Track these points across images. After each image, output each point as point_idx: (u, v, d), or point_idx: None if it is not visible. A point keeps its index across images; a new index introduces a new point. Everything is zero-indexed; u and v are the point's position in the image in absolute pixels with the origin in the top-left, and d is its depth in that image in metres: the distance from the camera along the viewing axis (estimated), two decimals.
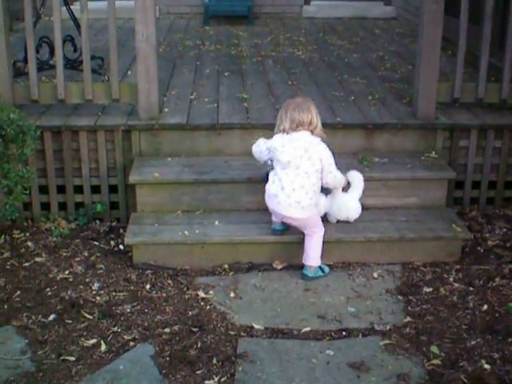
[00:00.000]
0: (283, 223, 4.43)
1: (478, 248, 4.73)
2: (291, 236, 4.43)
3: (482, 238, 4.86)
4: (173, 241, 4.40)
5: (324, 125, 4.72)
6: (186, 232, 4.43)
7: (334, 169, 4.29)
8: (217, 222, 4.55)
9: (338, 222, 4.58)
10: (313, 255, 4.31)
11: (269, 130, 4.82)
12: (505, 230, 4.96)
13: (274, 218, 4.46)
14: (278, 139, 4.25)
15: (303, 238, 4.34)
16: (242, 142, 4.95)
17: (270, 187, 4.28)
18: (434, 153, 5.02)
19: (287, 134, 4.23)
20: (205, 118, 5.02)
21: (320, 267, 4.36)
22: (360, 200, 4.59)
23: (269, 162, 4.38)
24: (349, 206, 4.55)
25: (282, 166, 4.22)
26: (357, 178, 4.53)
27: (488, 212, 5.20)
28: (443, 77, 5.26)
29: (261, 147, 4.39)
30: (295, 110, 4.21)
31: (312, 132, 4.25)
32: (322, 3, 9.97)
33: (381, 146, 5.05)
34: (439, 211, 4.76)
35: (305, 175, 4.19)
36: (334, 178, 4.32)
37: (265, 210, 4.57)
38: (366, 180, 4.69)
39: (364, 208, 4.69)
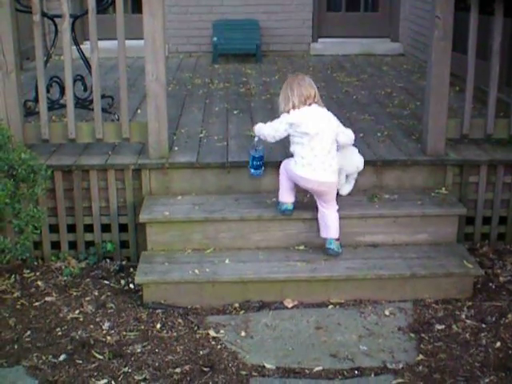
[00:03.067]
0: (293, 203, 4.63)
1: (490, 284, 4.70)
2: (302, 274, 4.42)
3: (494, 273, 4.83)
4: (183, 280, 4.39)
5: None
6: (196, 271, 4.42)
7: (343, 127, 4.68)
8: (227, 261, 4.54)
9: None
10: (336, 226, 4.55)
11: (278, 168, 4.86)
12: None
13: (284, 198, 4.64)
14: (298, 114, 4.51)
15: (313, 274, 4.38)
16: (251, 180, 4.96)
17: (301, 159, 4.49)
18: (444, 189, 5.02)
19: (298, 109, 4.52)
20: (214, 156, 5.04)
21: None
22: (370, 235, 4.71)
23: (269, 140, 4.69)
24: (354, 158, 4.80)
25: (309, 138, 4.45)
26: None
27: (499, 248, 5.18)
28: (452, 112, 5.28)
29: (276, 126, 4.62)
30: (300, 85, 4.56)
31: (317, 103, 4.60)
32: (330, 40, 10.05)
33: (390, 183, 5.05)
34: (450, 247, 4.74)
35: (329, 142, 4.51)
36: (347, 135, 4.68)
37: (274, 249, 4.60)
38: (376, 217, 4.72)
39: (375, 245, 4.72)
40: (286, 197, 4.68)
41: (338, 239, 4.60)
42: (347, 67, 8.90)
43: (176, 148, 5.21)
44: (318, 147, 4.46)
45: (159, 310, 4.38)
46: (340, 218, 4.64)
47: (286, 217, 4.68)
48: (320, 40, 10.09)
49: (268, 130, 4.68)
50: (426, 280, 4.48)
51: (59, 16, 4.89)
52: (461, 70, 5.37)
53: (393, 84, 7.72)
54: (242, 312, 4.37)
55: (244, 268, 4.47)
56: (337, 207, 4.61)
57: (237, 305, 4.43)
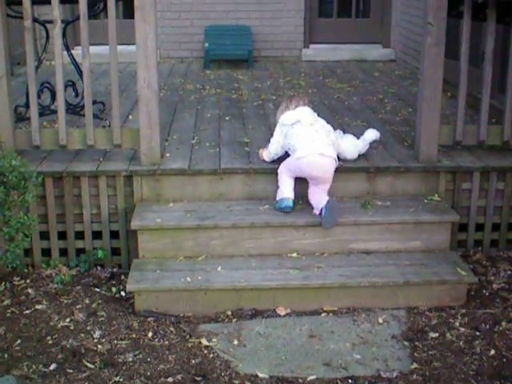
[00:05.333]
0: (293, 200, 4.74)
1: (484, 291, 4.68)
2: (294, 282, 4.39)
3: (487, 281, 4.81)
4: (175, 287, 4.36)
5: None
6: (188, 278, 4.39)
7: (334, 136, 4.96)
8: (219, 268, 4.51)
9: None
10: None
11: (271, 174, 4.85)
12: (509, 272, 4.91)
13: (285, 194, 4.72)
14: (292, 114, 4.87)
15: (305, 281, 4.38)
16: (244, 186, 4.94)
17: (300, 145, 4.71)
18: (436, 195, 5.00)
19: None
20: (207, 162, 5.01)
21: None
22: (363, 243, 4.73)
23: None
24: (356, 142, 5.07)
25: (303, 127, 4.79)
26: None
27: (492, 254, 5.16)
28: (444, 119, 5.27)
29: (275, 136, 4.95)
30: (300, 98, 5.08)
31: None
32: (321, 46, 10.06)
33: (383, 190, 5.03)
34: (443, 255, 4.72)
35: (324, 132, 4.83)
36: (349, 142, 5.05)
37: (267, 256, 4.59)
38: (369, 224, 4.70)
39: (368, 252, 4.70)
40: (287, 192, 4.72)
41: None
42: (339, 73, 8.89)
43: (168, 154, 5.17)
44: (314, 135, 4.72)
45: (151, 318, 4.34)
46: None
47: (279, 223, 4.66)
48: (312, 46, 10.09)
49: (272, 148, 4.93)
50: (419, 287, 4.46)
51: (50, 22, 4.84)
52: (453, 77, 5.36)
53: (384, 90, 7.71)
54: (235, 320, 4.33)
55: (236, 275, 4.44)
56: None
57: (229, 313, 4.39)
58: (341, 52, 9.97)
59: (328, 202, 4.62)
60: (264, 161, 5.01)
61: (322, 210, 4.63)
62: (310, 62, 9.77)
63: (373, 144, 5.25)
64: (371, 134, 5.17)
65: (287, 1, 9.80)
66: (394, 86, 7.94)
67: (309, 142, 4.70)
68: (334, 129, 5.00)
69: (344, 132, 5.22)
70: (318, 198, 4.69)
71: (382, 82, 8.20)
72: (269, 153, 4.97)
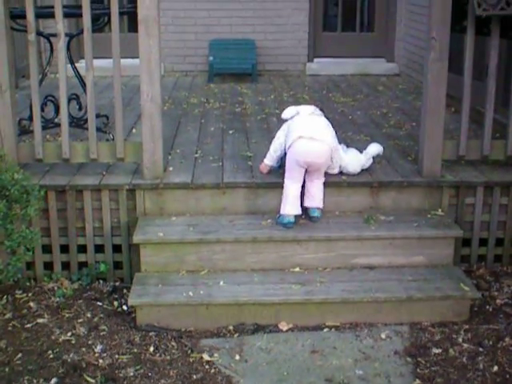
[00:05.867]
0: (295, 216, 4.75)
1: (487, 307, 4.66)
2: (297, 297, 4.38)
3: (491, 296, 4.79)
4: (177, 302, 4.34)
5: (329, 183, 4.83)
6: (190, 293, 4.37)
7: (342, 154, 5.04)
8: (222, 283, 4.49)
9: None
10: (320, 197, 4.80)
11: (274, 188, 4.84)
12: None
13: (287, 211, 4.72)
14: (292, 108, 5.03)
15: (308, 296, 4.35)
16: (246, 201, 4.93)
17: (294, 133, 4.77)
18: (440, 210, 4.99)
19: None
20: (209, 176, 5.00)
21: None
22: (366, 258, 4.71)
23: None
24: (359, 156, 5.08)
25: (302, 119, 4.90)
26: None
27: (496, 270, 5.14)
28: (447, 133, 5.25)
29: (276, 140, 5.02)
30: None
31: None
32: (325, 60, 10.05)
33: (386, 204, 5.02)
34: (446, 270, 4.70)
35: (321, 120, 4.97)
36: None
37: (269, 270, 4.58)
38: (372, 239, 4.69)
39: (371, 267, 4.68)
40: (288, 208, 4.71)
41: (320, 208, 4.83)
42: (343, 87, 8.89)
43: (171, 168, 5.17)
44: (310, 122, 4.85)
45: (152, 333, 4.32)
46: (336, 239, 4.66)
47: (282, 238, 4.65)
48: (316, 60, 10.09)
49: (272, 146, 5.04)
50: (422, 303, 4.44)
51: (55, 35, 4.86)
52: (455, 91, 5.35)
53: (388, 104, 7.71)
54: (237, 335, 4.31)
55: (239, 290, 4.42)
56: (323, 179, 4.83)
57: (231, 327, 4.38)
58: (345, 66, 9.97)
59: (312, 218, 4.80)
60: (264, 172, 5.04)
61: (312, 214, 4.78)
62: (314, 76, 9.77)
63: (376, 158, 5.24)
64: (374, 149, 5.16)
65: (292, 15, 9.82)
66: (398, 101, 7.94)
67: (302, 127, 4.79)
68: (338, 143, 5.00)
69: (347, 146, 5.21)
70: (308, 188, 4.80)
71: (385, 96, 8.20)
72: (269, 153, 5.03)
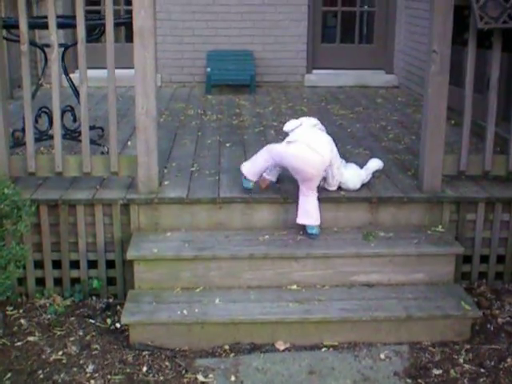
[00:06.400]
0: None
1: (488, 326, 4.56)
2: (294, 316, 4.27)
3: (492, 314, 4.69)
4: (171, 320, 4.23)
5: (327, 199, 4.74)
6: (184, 311, 4.27)
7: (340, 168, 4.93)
8: (217, 301, 4.39)
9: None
10: (317, 214, 4.67)
11: (272, 204, 4.74)
12: None
13: (250, 176, 4.76)
14: (295, 120, 4.95)
15: (305, 315, 4.26)
16: (243, 216, 4.83)
17: (295, 135, 4.79)
18: (440, 227, 4.89)
19: None
20: (205, 191, 4.90)
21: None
22: (365, 275, 4.61)
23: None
24: (359, 172, 4.97)
25: (306, 128, 4.87)
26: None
27: (497, 287, 5.04)
28: (447, 147, 5.15)
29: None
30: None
31: None
32: (324, 72, 9.97)
33: (386, 220, 4.92)
34: (447, 288, 4.60)
35: (324, 134, 4.94)
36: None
37: (266, 288, 4.49)
38: (372, 256, 4.59)
39: (369, 285, 4.59)
40: (251, 173, 4.77)
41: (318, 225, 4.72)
42: (341, 99, 8.80)
43: (166, 182, 5.07)
44: (314, 137, 4.75)
45: (146, 352, 4.21)
46: (334, 256, 4.57)
47: (279, 254, 4.55)
48: (314, 71, 10.01)
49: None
50: (422, 322, 4.34)
51: (49, 46, 4.76)
52: (455, 104, 5.27)
53: (387, 117, 7.62)
54: (232, 355, 4.20)
55: (234, 308, 4.32)
56: (317, 194, 4.68)
57: (227, 347, 4.26)
58: (344, 78, 9.89)
59: (311, 235, 4.72)
60: (263, 186, 4.91)
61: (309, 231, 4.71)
62: (313, 88, 9.69)
63: (375, 173, 5.15)
64: (374, 164, 5.06)
65: (290, 26, 9.74)
66: (397, 113, 7.85)
67: (301, 134, 4.74)
68: None
69: (347, 161, 5.11)
70: (303, 204, 4.69)
71: (384, 109, 8.11)
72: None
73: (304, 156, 4.60)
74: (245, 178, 4.77)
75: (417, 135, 6.61)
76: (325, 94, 9.13)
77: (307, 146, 4.61)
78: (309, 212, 4.66)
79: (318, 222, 4.70)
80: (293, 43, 9.80)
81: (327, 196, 4.82)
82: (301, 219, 4.68)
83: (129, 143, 6.12)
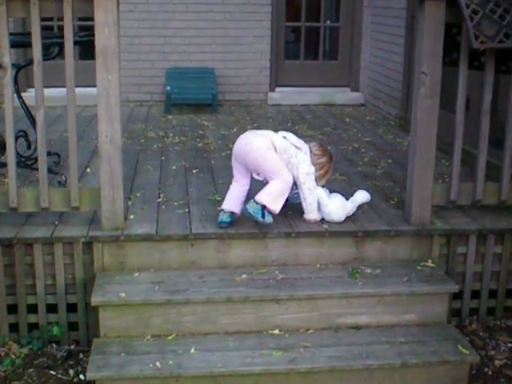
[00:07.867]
0: (230, 215, 4.47)
1: (485, 369, 4.24)
2: (278, 366, 3.86)
3: (488, 356, 4.36)
4: (142, 375, 3.78)
5: (309, 233, 4.43)
6: (157, 363, 3.82)
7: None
8: (193, 350, 3.96)
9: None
10: (267, 192, 4.34)
11: (249, 239, 4.36)
12: (510, 345, 4.48)
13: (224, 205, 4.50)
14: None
15: (291, 365, 3.86)
16: (218, 253, 4.42)
17: None
18: (430, 261, 4.55)
19: None
20: (176, 226, 4.48)
21: (264, 213, 4.34)
22: (352, 317, 4.25)
23: None
24: (344, 204, 4.61)
25: None
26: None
27: (489, 324, 4.73)
28: (436, 175, 4.82)
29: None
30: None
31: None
32: (288, 90, 9.64)
33: (371, 255, 4.56)
34: (441, 329, 4.26)
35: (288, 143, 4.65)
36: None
37: (245, 333, 4.08)
38: (359, 296, 4.22)
39: (357, 327, 4.22)
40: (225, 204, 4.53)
41: (264, 206, 4.34)
42: (308, 119, 8.46)
43: (132, 216, 4.64)
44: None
45: None
46: (319, 297, 4.19)
47: (259, 297, 4.15)
48: (278, 89, 9.66)
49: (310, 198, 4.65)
50: (417, 369, 3.98)
51: (0, 66, 4.30)
52: (442, 129, 4.94)
53: (359, 138, 7.29)
54: None
55: (212, 359, 3.89)
56: (279, 179, 4.39)
57: None
58: (308, 95, 9.56)
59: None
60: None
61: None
62: (277, 106, 9.35)
63: (361, 205, 4.78)
64: (362, 196, 4.68)
65: (252, 42, 9.38)
66: (368, 134, 7.52)
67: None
68: None
69: (330, 192, 4.73)
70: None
71: (354, 129, 7.78)
72: (309, 204, 4.62)
73: (245, 136, 4.56)
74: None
75: (393, 158, 6.32)
76: (290, 114, 8.79)
77: (253, 132, 4.71)
78: (272, 194, 4.36)
79: (277, 212, 4.39)
80: (255, 60, 9.46)
81: (310, 230, 4.45)
82: (262, 198, 4.35)
83: (88, 170, 5.68)
